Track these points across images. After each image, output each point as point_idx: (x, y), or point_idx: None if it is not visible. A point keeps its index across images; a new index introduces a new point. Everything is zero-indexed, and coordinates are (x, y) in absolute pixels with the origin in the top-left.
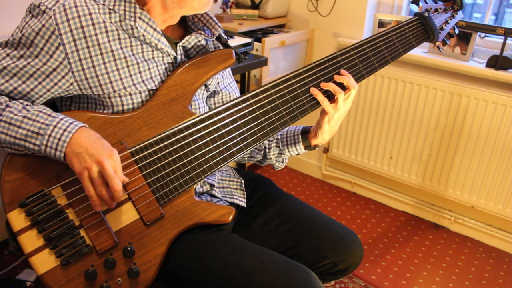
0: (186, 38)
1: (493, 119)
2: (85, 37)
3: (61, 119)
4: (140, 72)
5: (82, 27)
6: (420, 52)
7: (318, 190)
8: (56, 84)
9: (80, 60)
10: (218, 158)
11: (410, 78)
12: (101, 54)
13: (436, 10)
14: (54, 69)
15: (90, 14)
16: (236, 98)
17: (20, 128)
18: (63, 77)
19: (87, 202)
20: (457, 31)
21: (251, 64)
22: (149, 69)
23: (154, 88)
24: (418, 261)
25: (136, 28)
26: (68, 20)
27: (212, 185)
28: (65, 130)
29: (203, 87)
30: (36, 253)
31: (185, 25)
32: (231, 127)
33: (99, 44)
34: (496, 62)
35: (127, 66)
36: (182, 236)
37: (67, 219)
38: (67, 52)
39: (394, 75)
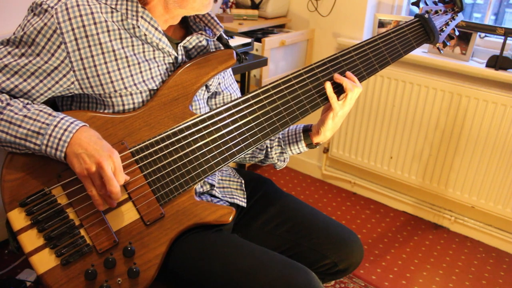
0: (187, 38)
1: (493, 119)
2: (86, 36)
3: (62, 118)
4: (141, 72)
5: (83, 26)
6: (420, 52)
7: (318, 190)
8: (57, 82)
9: (81, 59)
10: (219, 158)
11: (410, 78)
12: (103, 53)
13: (436, 12)
14: (56, 68)
15: (92, 13)
16: (237, 99)
17: (21, 127)
18: (64, 75)
19: (87, 202)
20: (457, 33)
21: (251, 64)
22: (150, 69)
23: (155, 88)
24: (418, 261)
25: (138, 27)
26: (70, 19)
27: (212, 185)
28: (65, 130)
29: (204, 88)
30: (36, 253)
31: (187, 25)
32: (232, 127)
33: (100, 44)
34: (496, 62)
35: (128, 66)
36: (182, 236)
37: (67, 218)
38: (69, 51)
39: (394, 75)
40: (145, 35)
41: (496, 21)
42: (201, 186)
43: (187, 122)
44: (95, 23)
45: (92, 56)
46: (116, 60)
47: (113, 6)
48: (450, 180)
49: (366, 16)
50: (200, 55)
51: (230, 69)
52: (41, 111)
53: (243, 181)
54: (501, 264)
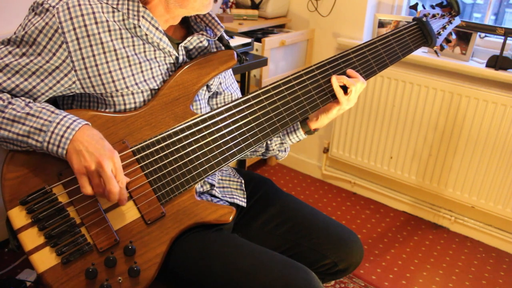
0: (188, 38)
1: (493, 119)
2: (88, 36)
3: (64, 116)
4: (142, 72)
5: (85, 25)
6: (420, 52)
7: (318, 190)
8: (58, 82)
9: (83, 58)
10: (220, 158)
11: (410, 78)
12: (104, 53)
13: (434, 16)
14: (57, 67)
15: (93, 13)
16: (237, 99)
17: (24, 125)
18: (65, 75)
19: (88, 200)
20: (454, 36)
21: (251, 64)
22: (151, 68)
23: (156, 87)
24: (418, 261)
25: (139, 27)
26: (71, 18)
27: (212, 185)
28: (68, 127)
29: (205, 88)
30: (36, 251)
31: (187, 25)
32: (233, 127)
33: (102, 43)
34: (496, 62)
35: (130, 65)
36: (182, 236)
37: (68, 217)
38: (70, 50)
39: (394, 75)
40: (146, 35)
41: (496, 21)
42: (201, 186)
43: (188, 121)
44: (96, 23)
45: (94, 55)
46: (117, 59)
47: (114, 6)
48: (450, 180)
49: (366, 16)
50: (201, 56)
51: (230, 69)
52: (43, 108)
53: (243, 181)
54: (501, 264)
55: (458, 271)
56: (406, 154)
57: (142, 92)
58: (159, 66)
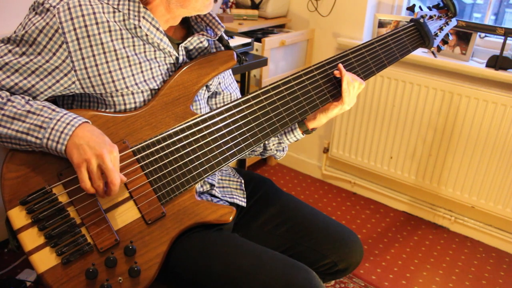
0: (189, 39)
1: (493, 119)
2: (88, 36)
3: (65, 113)
4: (142, 72)
5: (85, 26)
6: (420, 52)
7: (318, 190)
8: (58, 81)
9: (83, 58)
10: (220, 158)
11: (410, 78)
12: (104, 53)
13: (431, 17)
14: (57, 67)
15: (94, 13)
16: (237, 99)
17: (24, 122)
18: (65, 75)
19: (89, 200)
20: (450, 38)
21: (251, 64)
22: (151, 68)
23: (156, 87)
24: (418, 261)
25: (140, 27)
26: (72, 18)
27: (212, 185)
28: (68, 124)
29: (204, 88)
30: (36, 251)
31: (188, 26)
32: (232, 127)
33: (102, 43)
34: (496, 62)
35: (130, 66)
36: (183, 235)
37: (68, 217)
38: (70, 50)
39: (394, 75)
40: (146, 35)
41: (496, 21)
42: (201, 186)
43: (188, 121)
44: (96, 23)
45: (94, 55)
46: (117, 59)
47: (115, 6)
48: (450, 180)
49: (366, 16)
50: (201, 56)
51: (229, 70)
52: (44, 106)
53: (242, 181)
54: (501, 264)
55: (458, 271)
56: (406, 154)
57: (142, 92)
58: (159, 66)
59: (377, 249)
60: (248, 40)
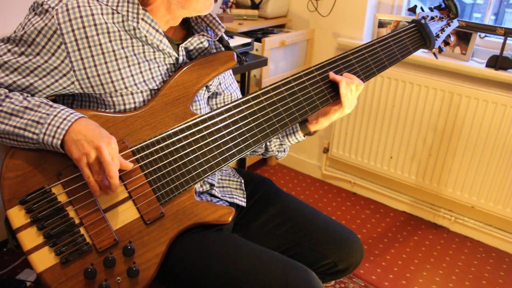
0: (189, 39)
1: (493, 119)
2: (86, 37)
3: (62, 109)
4: (141, 72)
5: (84, 27)
6: (420, 52)
7: (318, 190)
8: (56, 81)
9: (81, 59)
10: (219, 158)
11: (410, 78)
12: (103, 53)
13: (432, 18)
14: (56, 67)
15: (92, 15)
16: (237, 100)
17: (22, 118)
18: (64, 75)
19: (88, 200)
20: (452, 39)
21: (251, 64)
22: (150, 69)
23: (156, 88)
24: (418, 261)
25: (138, 29)
26: (70, 20)
27: (212, 185)
28: (64, 119)
29: (204, 88)
30: (35, 251)
31: (188, 26)
32: (232, 127)
33: (100, 44)
34: (496, 62)
35: (129, 66)
36: (182, 236)
37: (67, 216)
38: (69, 51)
39: (394, 75)
40: (145, 36)
41: (496, 21)
42: (201, 186)
43: (188, 122)
44: (95, 25)
45: (92, 56)
46: (116, 60)
47: (114, 8)
48: (450, 180)
49: (366, 16)
50: (201, 56)
51: (230, 70)
52: (41, 102)
53: (242, 181)
54: (501, 264)
55: (458, 271)
56: (406, 154)
57: (141, 92)
58: (158, 66)
59: (377, 249)
60: (248, 40)
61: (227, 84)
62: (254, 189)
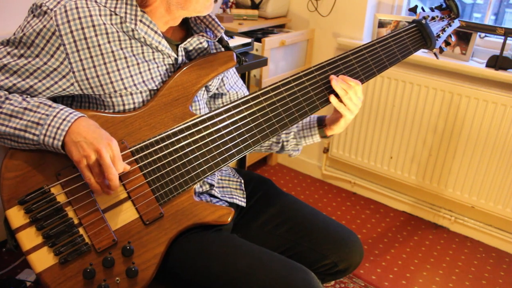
0: (188, 40)
1: (493, 119)
2: (85, 38)
3: (61, 109)
4: (140, 73)
5: (82, 28)
6: (421, 53)
7: (318, 190)
8: (56, 83)
9: (80, 60)
10: (218, 159)
11: (410, 78)
12: (102, 54)
13: (433, 18)
14: (55, 69)
15: (90, 16)
16: (236, 100)
17: (22, 119)
18: (64, 76)
19: (87, 200)
20: (453, 39)
21: (251, 64)
22: (149, 69)
23: (155, 88)
24: (418, 261)
25: (136, 30)
26: (68, 21)
27: (211, 185)
28: (64, 119)
29: (204, 88)
30: (34, 251)
31: (187, 27)
32: (231, 128)
33: (99, 45)
34: (496, 62)
35: (128, 67)
36: (181, 236)
37: (66, 217)
38: (68, 52)
39: (394, 75)
40: (144, 38)
41: (496, 21)
42: (201, 186)
43: (187, 122)
44: (93, 26)
45: (91, 57)
46: (115, 61)
47: (112, 9)
48: (450, 180)
49: (366, 16)
50: (200, 57)
51: (233, 68)
52: (41, 103)
53: (242, 181)
54: (501, 264)
55: (458, 271)
56: (406, 154)
57: (141, 92)
58: (157, 67)
59: (377, 249)
60: (248, 40)
61: (231, 83)
62: (254, 189)
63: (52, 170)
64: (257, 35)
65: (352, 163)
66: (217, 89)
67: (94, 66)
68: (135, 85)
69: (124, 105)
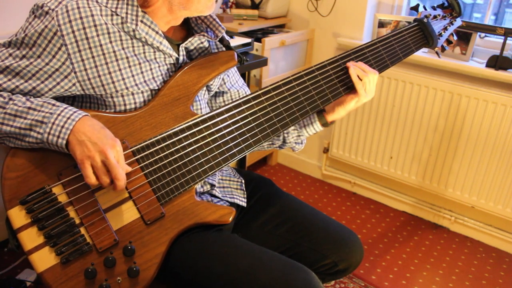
0: (189, 39)
1: (493, 119)
2: (87, 38)
3: (65, 107)
4: (142, 72)
5: (84, 28)
6: (421, 52)
7: (318, 190)
8: (58, 83)
9: (82, 60)
10: (220, 158)
11: (410, 78)
12: (103, 54)
13: (435, 17)
14: (57, 69)
15: (92, 15)
16: (237, 99)
17: (26, 119)
18: (65, 77)
19: (88, 200)
20: (455, 38)
21: (251, 64)
22: (151, 69)
23: (156, 88)
24: (418, 261)
25: (137, 31)
26: (70, 21)
27: (212, 185)
28: (68, 118)
29: (205, 88)
30: (36, 251)
31: (188, 27)
32: (233, 127)
33: (101, 45)
34: (496, 62)
35: (129, 66)
36: (182, 236)
37: (67, 217)
38: (69, 52)
39: (394, 75)
40: (145, 38)
41: (496, 21)
42: (201, 186)
43: (188, 122)
44: (95, 25)
45: (93, 57)
46: (117, 60)
47: (114, 10)
48: (450, 180)
49: (366, 16)
50: (201, 56)
51: (234, 67)
52: (44, 102)
53: (243, 181)
54: (501, 264)
55: (458, 271)
56: (406, 154)
57: (142, 92)
58: (159, 66)
59: (377, 249)
60: (248, 40)
61: (232, 82)
62: (254, 189)
63: (54, 170)
64: (257, 35)
65: (352, 163)
66: (218, 87)
67: (96, 66)
68: (136, 85)
69: (125, 105)
